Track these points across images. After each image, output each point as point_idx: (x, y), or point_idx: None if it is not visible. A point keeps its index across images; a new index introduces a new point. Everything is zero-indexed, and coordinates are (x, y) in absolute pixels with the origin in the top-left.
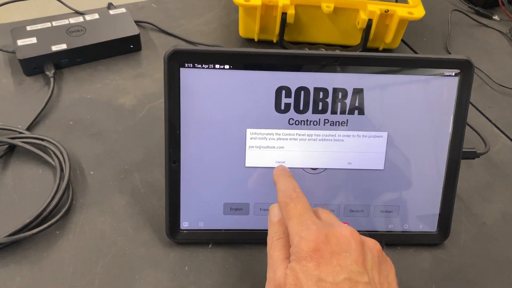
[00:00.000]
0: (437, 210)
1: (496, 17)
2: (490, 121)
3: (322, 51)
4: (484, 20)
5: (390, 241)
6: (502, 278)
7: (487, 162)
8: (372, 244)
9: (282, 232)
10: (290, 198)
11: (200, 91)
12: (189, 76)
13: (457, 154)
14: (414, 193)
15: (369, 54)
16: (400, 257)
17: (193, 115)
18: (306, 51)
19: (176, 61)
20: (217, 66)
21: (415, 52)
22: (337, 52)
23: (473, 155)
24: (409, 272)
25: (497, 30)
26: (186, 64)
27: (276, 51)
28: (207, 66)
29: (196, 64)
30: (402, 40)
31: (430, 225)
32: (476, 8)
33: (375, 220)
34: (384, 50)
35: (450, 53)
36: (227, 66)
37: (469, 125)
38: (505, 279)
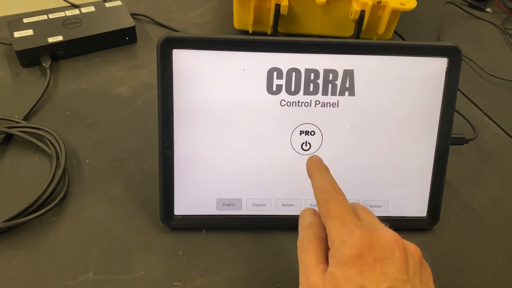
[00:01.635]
0: (427, 195)
1: (489, 9)
2: (481, 110)
3: (313, 39)
4: (477, 13)
5: None
6: (491, 262)
7: (477, 150)
8: (413, 250)
9: (312, 234)
10: (330, 195)
11: (193, 75)
12: (181, 59)
13: (446, 139)
14: (404, 178)
15: (355, 41)
16: None
17: (186, 100)
18: (298, 38)
19: (169, 47)
20: (207, 70)
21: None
22: (327, 39)
23: (461, 141)
24: None
25: (489, 22)
26: (178, 68)
27: (268, 38)
28: (199, 72)
29: (188, 68)
30: (395, 31)
31: (420, 210)
32: (469, 0)
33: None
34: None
35: None
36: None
37: (458, 112)
38: (494, 263)
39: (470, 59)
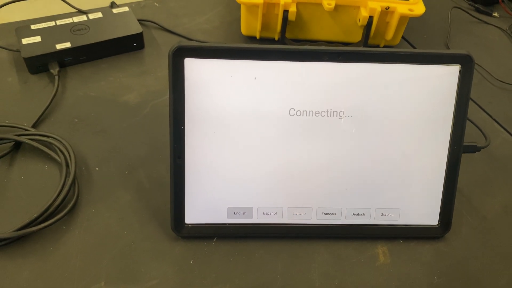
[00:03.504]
0: (438, 204)
1: (496, 14)
2: (491, 116)
3: (324, 47)
4: (484, 17)
5: (392, 234)
6: (503, 270)
7: (487, 157)
8: None
9: None
10: None
11: (205, 84)
12: (193, 68)
13: (458, 147)
14: (415, 186)
15: (368, 49)
16: (402, 250)
17: (198, 109)
18: (309, 47)
19: (181, 56)
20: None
21: (415, 49)
22: (339, 47)
23: (473, 149)
24: (411, 265)
25: (497, 27)
26: (190, 77)
27: (280, 46)
28: (210, 82)
29: (199, 78)
30: (402, 37)
31: (431, 218)
32: (476, 5)
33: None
34: (385, 47)
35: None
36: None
37: (469, 120)
38: (506, 271)
39: (478, 65)
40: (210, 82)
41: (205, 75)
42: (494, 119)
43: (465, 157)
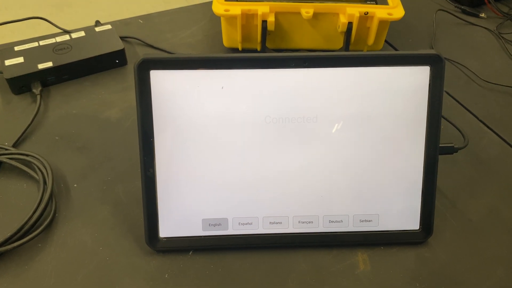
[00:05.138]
0: (418, 207)
1: (483, 15)
2: (476, 117)
3: (289, 54)
4: (471, 19)
5: (372, 241)
6: (489, 275)
7: (473, 158)
8: None
9: None
10: None
11: (172, 95)
12: (159, 80)
13: (434, 149)
14: (393, 191)
15: (334, 53)
16: (383, 257)
17: (166, 121)
18: (273, 54)
19: (146, 69)
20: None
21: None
22: (304, 53)
23: (451, 150)
24: (393, 272)
25: (484, 27)
26: (157, 90)
27: (244, 55)
28: (177, 93)
29: (166, 89)
30: (386, 41)
31: (412, 223)
32: (462, 7)
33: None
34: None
35: None
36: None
37: (447, 120)
38: (492, 275)
39: (464, 66)
40: (177, 93)
41: (171, 87)
42: (480, 120)
43: (449, 159)
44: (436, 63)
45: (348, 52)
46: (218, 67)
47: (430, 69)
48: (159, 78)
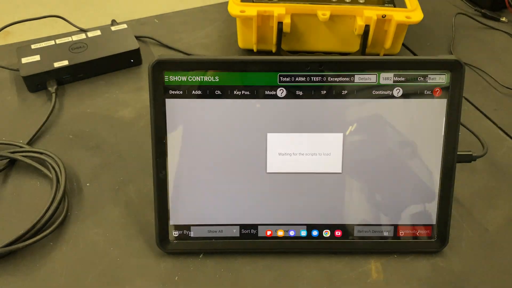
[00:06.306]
0: (434, 216)
1: (504, 19)
2: (495, 124)
3: (304, 57)
4: (491, 23)
5: (385, 249)
6: (505, 286)
7: (491, 166)
8: None
9: None
10: None
11: (185, 97)
12: (173, 81)
13: (452, 157)
14: (409, 199)
15: (353, 57)
16: (397, 265)
17: (179, 123)
18: (288, 57)
19: (160, 70)
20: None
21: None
22: (321, 57)
23: (469, 158)
24: (406, 282)
25: (505, 32)
26: (171, 91)
27: (259, 57)
28: (190, 96)
29: (180, 92)
30: (403, 44)
31: (427, 232)
32: (482, 10)
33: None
34: (385, 56)
35: None
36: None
37: (465, 127)
38: (508, 287)
39: (484, 71)
40: (191, 95)
41: (185, 88)
42: (499, 127)
43: (467, 167)
44: (455, 69)
45: (366, 57)
46: (232, 69)
47: (450, 75)
48: (173, 80)
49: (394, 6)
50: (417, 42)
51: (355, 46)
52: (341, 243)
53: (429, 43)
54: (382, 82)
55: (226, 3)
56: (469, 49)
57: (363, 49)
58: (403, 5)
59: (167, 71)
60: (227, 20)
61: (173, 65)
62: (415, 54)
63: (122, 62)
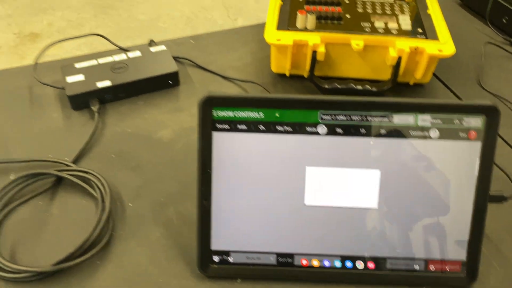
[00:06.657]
0: (464, 252)
1: None
2: None
3: (344, 97)
4: None
5: (415, 282)
6: None
7: None
8: None
9: None
10: None
11: (232, 131)
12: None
13: (484, 198)
14: (440, 235)
15: (396, 99)
16: None
17: (225, 157)
18: (332, 96)
19: (210, 105)
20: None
21: (447, 87)
22: (362, 98)
23: (500, 199)
24: None
25: None
26: (218, 125)
27: (304, 97)
28: (236, 130)
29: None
30: (434, 74)
31: (457, 267)
32: (511, 39)
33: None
34: (415, 85)
35: (482, 87)
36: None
37: (497, 166)
38: None
39: None
40: (238, 131)
41: (233, 124)
42: None
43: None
44: (491, 114)
45: (405, 99)
46: (276, 107)
47: (485, 119)
48: (221, 115)
49: (426, 38)
50: (446, 70)
51: (387, 74)
52: (374, 275)
53: (458, 73)
54: (419, 123)
55: (259, 25)
56: (498, 79)
57: (394, 79)
58: (435, 37)
59: (215, 106)
60: (259, 43)
61: (222, 101)
62: (445, 84)
63: (161, 83)
